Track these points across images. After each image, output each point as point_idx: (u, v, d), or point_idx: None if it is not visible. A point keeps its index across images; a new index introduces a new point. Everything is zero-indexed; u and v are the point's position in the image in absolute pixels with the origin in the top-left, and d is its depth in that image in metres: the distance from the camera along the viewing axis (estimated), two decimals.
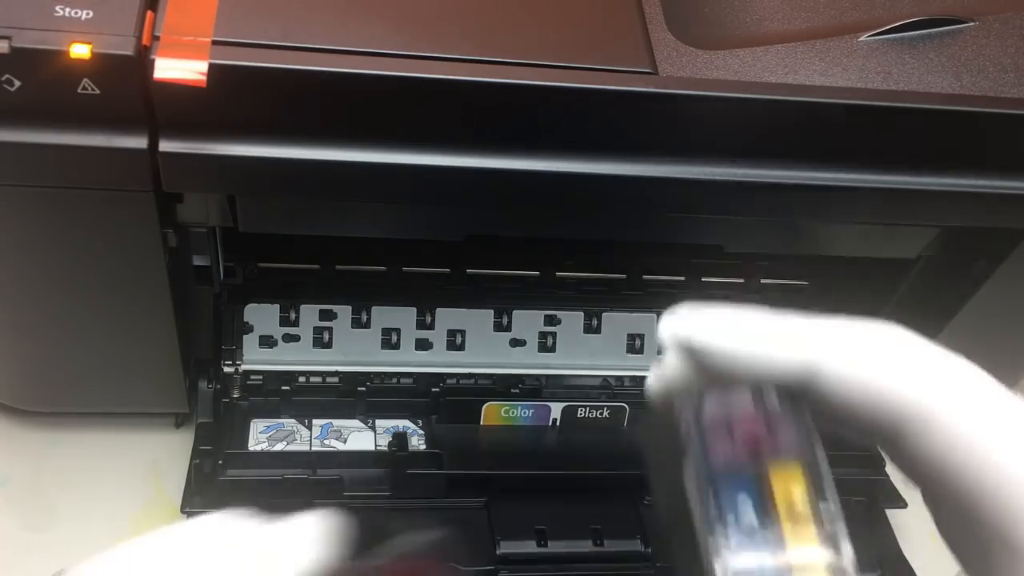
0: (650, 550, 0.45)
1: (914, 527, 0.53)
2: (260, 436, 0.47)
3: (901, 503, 0.50)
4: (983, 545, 0.24)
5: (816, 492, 0.24)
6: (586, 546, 0.44)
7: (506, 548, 0.43)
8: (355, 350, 0.50)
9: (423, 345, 0.50)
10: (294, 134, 0.35)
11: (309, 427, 0.48)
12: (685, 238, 0.42)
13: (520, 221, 0.42)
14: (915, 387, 0.24)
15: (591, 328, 0.52)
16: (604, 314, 0.52)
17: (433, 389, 0.50)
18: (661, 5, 0.38)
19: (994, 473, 0.23)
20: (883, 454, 0.37)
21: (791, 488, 0.24)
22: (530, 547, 0.44)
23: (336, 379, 0.50)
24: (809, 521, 0.24)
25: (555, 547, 0.44)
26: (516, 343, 0.51)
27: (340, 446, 0.48)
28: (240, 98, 0.33)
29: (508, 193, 0.37)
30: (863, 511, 0.49)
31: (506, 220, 0.42)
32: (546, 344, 0.52)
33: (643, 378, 0.52)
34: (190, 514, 0.43)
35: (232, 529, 0.28)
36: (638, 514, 0.46)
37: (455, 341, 0.51)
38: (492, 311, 0.51)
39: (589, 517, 0.45)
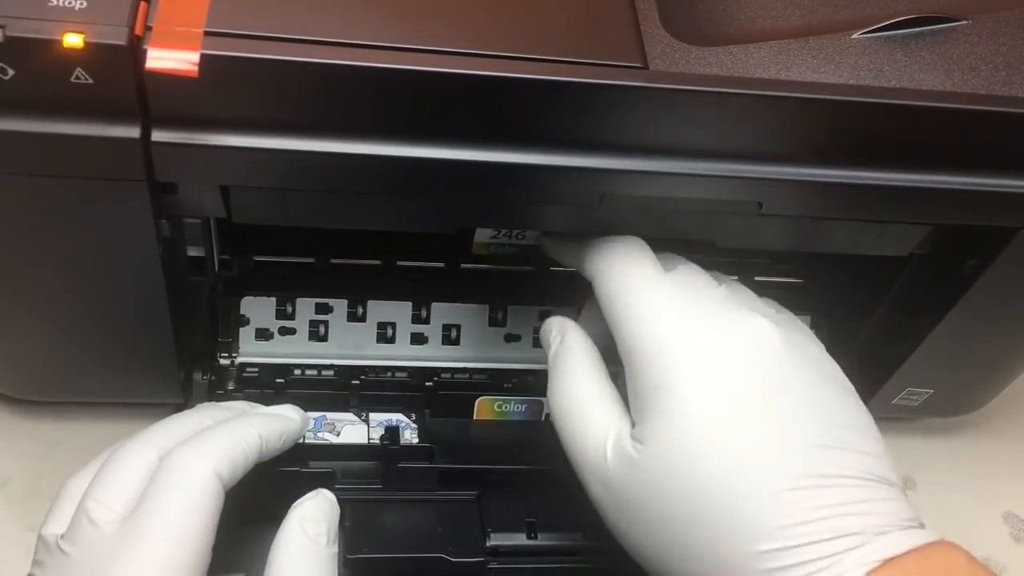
0: None
1: None
2: None
3: None
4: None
5: None
6: (576, 539, 0.44)
7: (496, 540, 0.43)
8: (350, 344, 0.50)
9: (418, 339, 0.51)
10: (286, 125, 0.35)
11: None
12: (676, 234, 0.43)
13: (512, 215, 0.42)
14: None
15: None
16: None
17: (427, 383, 0.50)
18: (655, 1, 0.38)
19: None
20: None
21: None
22: (520, 539, 0.44)
23: (331, 372, 0.50)
24: None
25: (545, 539, 0.44)
26: (511, 338, 0.51)
27: (333, 439, 0.48)
28: (232, 89, 0.34)
29: (498, 186, 0.38)
30: None
31: (498, 214, 0.42)
32: None
33: None
34: None
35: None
36: None
37: (450, 336, 0.51)
38: (487, 306, 0.51)
39: (580, 510, 0.45)
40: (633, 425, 0.38)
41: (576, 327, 0.42)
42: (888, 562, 0.33)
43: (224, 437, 0.38)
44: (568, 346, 0.42)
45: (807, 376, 0.38)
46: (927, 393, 0.53)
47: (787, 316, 0.42)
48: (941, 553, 0.35)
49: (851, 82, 0.37)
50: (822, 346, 0.41)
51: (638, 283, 0.39)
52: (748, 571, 0.34)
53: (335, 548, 0.39)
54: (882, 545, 0.34)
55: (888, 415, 0.55)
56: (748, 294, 0.42)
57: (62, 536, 0.36)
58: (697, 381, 0.36)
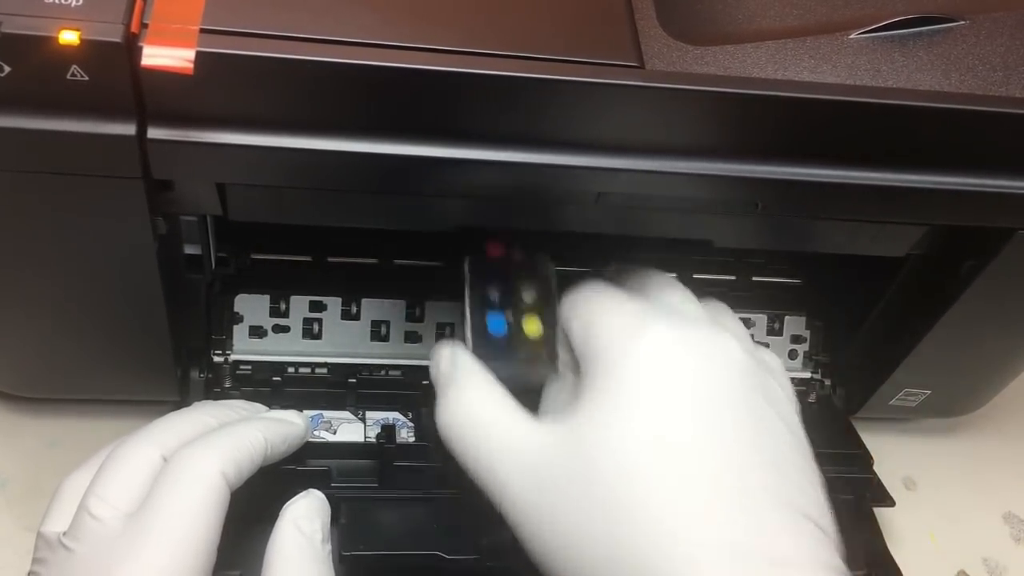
0: None
1: (902, 525, 0.53)
2: None
3: (888, 501, 0.50)
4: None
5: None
6: None
7: (491, 538, 0.43)
8: (344, 342, 0.50)
9: (412, 338, 0.51)
10: (283, 123, 0.35)
11: None
12: (673, 233, 0.43)
13: (508, 213, 0.42)
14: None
15: None
16: None
17: (423, 382, 0.50)
18: (653, 1, 0.38)
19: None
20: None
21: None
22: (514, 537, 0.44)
23: (324, 371, 0.50)
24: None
25: None
26: None
27: (330, 437, 0.48)
28: (228, 86, 0.34)
29: (495, 184, 0.38)
30: (850, 509, 0.49)
31: (494, 213, 0.42)
32: None
33: None
34: None
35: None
36: None
37: (444, 334, 0.51)
38: None
39: None
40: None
41: (467, 352, 0.41)
42: None
43: (230, 439, 0.38)
44: (461, 365, 0.40)
45: (755, 402, 0.36)
46: (924, 394, 0.53)
47: (762, 350, 0.41)
48: None
49: (848, 82, 0.37)
50: (788, 383, 0.40)
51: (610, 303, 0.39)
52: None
53: (329, 546, 0.39)
54: None
55: (886, 416, 0.55)
56: (727, 314, 0.41)
57: (64, 533, 0.36)
58: (648, 384, 0.35)
